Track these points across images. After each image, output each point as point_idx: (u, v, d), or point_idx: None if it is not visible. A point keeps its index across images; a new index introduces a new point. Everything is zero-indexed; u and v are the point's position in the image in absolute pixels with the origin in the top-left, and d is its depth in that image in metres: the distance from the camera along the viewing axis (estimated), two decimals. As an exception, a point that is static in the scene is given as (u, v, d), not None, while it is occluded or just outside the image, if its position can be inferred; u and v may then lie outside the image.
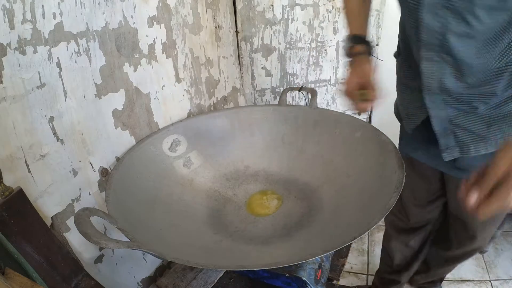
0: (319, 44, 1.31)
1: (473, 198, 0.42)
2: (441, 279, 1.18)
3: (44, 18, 0.59)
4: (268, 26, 1.25)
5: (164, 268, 0.94)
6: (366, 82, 0.72)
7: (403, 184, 0.63)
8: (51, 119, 0.64)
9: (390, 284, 1.16)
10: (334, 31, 1.30)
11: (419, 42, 0.60)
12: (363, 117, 1.54)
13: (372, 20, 1.32)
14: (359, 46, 0.75)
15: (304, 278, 0.70)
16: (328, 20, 1.27)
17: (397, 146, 0.77)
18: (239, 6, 1.20)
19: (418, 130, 0.75)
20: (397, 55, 0.82)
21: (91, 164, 0.74)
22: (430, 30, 0.57)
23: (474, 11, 0.51)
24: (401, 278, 1.14)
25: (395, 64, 0.83)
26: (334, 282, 1.07)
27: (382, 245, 1.14)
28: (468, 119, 0.64)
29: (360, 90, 0.72)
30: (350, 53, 0.76)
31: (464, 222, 0.86)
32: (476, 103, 0.62)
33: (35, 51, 0.59)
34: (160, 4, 0.86)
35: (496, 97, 0.60)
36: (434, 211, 0.96)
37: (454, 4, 0.52)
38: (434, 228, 1.02)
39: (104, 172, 0.77)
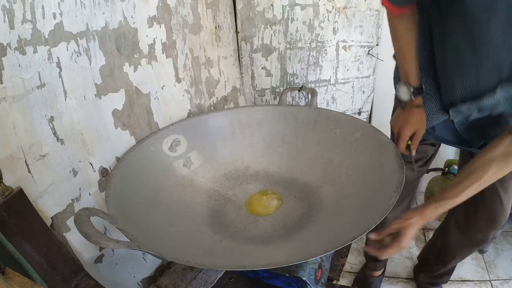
0: (319, 44, 1.31)
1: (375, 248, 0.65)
2: (445, 278, 1.19)
3: (44, 18, 0.59)
4: (268, 26, 1.25)
5: (164, 268, 0.94)
6: (416, 133, 0.78)
7: (403, 184, 0.63)
8: (51, 119, 0.64)
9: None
10: (334, 31, 1.30)
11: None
12: (363, 117, 1.54)
13: (372, 20, 1.32)
14: (419, 98, 0.77)
15: (304, 278, 0.70)
16: (328, 20, 1.27)
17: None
18: (239, 6, 1.20)
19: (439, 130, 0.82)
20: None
21: (91, 164, 0.74)
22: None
23: None
24: None
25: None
26: (334, 282, 1.06)
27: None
28: (485, 121, 0.71)
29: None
30: (410, 105, 0.78)
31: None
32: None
33: (35, 51, 0.59)
34: (160, 4, 0.86)
35: None
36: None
37: None
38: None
39: (104, 172, 0.77)
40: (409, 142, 0.79)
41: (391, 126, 0.87)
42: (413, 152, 0.80)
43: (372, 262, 1.22)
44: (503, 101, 0.61)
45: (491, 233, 0.91)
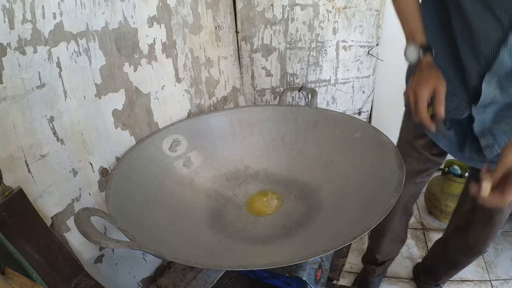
0: (319, 44, 1.31)
1: (486, 188, 0.50)
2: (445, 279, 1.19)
3: (44, 18, 0.59)
4: (268, 26, 1.25)
5: (164, 268, 0.94)
6: (436, 92, 0.66)
7: (403, 184, 0.63)
8: (51, 119, 0.64)
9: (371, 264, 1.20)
10: (334, 31, 1.30)
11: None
12: (363, 117, 1.54)
13: (372, 20, 1.32)
14: (428, 56, 0.69)
15: (304, 278, 0.70)
16: (328, 20, 1.27)
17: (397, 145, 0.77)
18: (239, 6, 1.20)
19: (454, 131, 0.77)
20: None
21: (91, 164, 0.74)
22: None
23: None
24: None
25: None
26: (334, 282, 1.07)
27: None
28: (505, 121, 0.68)
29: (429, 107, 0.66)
30: (420, 65, 0.70)
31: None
32: None
33: (35, 51, 0.59)
34: (160, 4, 0.86)
35: None
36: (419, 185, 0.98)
37: None
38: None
39: (104, 172, 0.77)
40: (430, 112, 0.66)
41: (405, 98, 0.74)
42: (441, 112, 0.64)
43: (370, 266, 1.21)
44: None
45: (489, 236, 0.91)
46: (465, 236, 0.95)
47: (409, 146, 0.89)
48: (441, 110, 0.64)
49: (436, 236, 1.15)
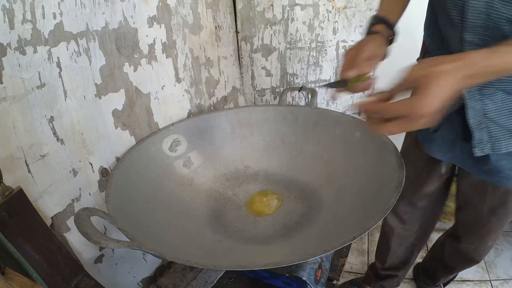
0: (319, 44, 1.31)
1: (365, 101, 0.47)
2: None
3: (44, 18, 0.59)
4: (268, 26, 1.25)
5: (164, 268, 0.94)
6: (367, 67, 0.60)
7: (403, 184, 0.63)
8: (51, 119, 0.64)
9: (387, 279, 1.17)
10: (334, 31, 1.30)
11: (461, 27, 0.54)
12: (363, 117, 1.54)
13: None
14: (379, 26, 0.66)
15: (304, 278, 0.70)
16: (328, 20, 1.27)
17: (397, 146, 0.76)
18: (239, 6, 1.20)
19: (442, 131, 0.72)
20: (421, 58, 0.80)
21: (91, 164, 0.74)
22: (475, 11, 0.50)
23: None
24: (399, 273, 1.15)
25: None
26: (334, 282, 1.07)
27: (379, 242, 1.15)
28: (503, 113, 0.61)
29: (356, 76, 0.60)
30: (367, 32, 0.67)
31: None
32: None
33: (35, 51, 0.59)
34: (160, 4, 0.86)
35: None
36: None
37: None
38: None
39: (104, 172, 0.77)
40: (357, 80, 0.59)
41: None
42: (346, 74, 0.59)
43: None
44: None
45: (481, 248, 0.90)
46: (458, 244, 0.95)
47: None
48: (346, 74, 0.59)
49: (436, 236, 1.14)
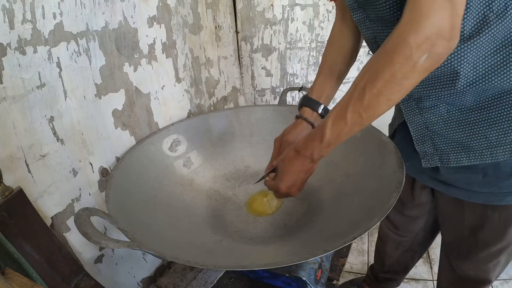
0: (319, 44, 1.31)
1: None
2: None
3: (44, 18, 0.59)
4: (268, 26, 1.25)
5: (164, 268, 0.94)
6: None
7: (403, 184, 0.63)
8: (51, 119, 0.64)
9: (386, 282, 1.16)
10: (334, 31, 1.30)
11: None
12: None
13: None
14: (305, 110, 0.70)
15: (304, 278, 0.70)
16: (328, 20, 1.27)
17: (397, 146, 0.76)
18: (239, 6, 1.20)
19: (405, 139, 0.72)
20: None
21: (91, 164, 0.74)
22: (368, 39, 0.61)
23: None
24: (398, 277, 1.14)
25: None
26: (334, 282, 1.06)
27: (376, 245, 1.15)
28: (450, 125, 0.59)
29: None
30: (296, 115, 0.72)
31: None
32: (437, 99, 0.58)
33: (35, 51, 0.59)
34: (160, 4, 0.86)
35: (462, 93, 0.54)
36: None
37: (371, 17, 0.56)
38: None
39: (104, 172, 0.77)
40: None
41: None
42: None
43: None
44: None
45: (482, 263, 0.81)
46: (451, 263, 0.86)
47: None
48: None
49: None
